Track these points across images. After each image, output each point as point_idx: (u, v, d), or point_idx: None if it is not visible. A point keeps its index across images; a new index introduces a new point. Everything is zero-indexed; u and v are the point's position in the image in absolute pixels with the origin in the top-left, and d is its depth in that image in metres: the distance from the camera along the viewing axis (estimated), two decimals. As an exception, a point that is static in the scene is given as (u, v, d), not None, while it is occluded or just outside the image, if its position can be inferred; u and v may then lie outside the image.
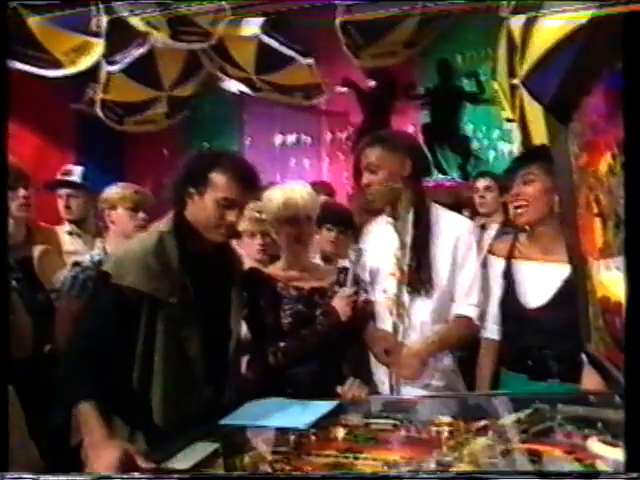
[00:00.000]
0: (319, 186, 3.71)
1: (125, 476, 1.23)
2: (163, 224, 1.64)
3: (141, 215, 2.41)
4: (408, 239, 1.93)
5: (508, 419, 1.42)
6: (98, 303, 1.59)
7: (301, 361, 1.80)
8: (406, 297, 1.90)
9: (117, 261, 1.57)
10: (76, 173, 3.12)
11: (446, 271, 1.91)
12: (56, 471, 1.18)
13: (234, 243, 2.43)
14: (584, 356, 1.60)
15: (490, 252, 2.02)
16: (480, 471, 1.15)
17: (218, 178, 1.58)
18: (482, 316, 1.94)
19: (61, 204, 3.03)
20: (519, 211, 1.87)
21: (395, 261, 1.94)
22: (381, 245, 2.00)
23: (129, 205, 2.40)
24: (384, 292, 1.96)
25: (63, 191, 3.02)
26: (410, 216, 1.93)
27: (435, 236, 1.93)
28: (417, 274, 1.89)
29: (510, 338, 1.89)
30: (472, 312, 1.90)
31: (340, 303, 1.82)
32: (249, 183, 1.63)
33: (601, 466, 1.08)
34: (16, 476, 1.06)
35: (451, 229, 1.94)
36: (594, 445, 1.16)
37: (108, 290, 1.52)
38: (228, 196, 1.58)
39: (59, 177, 3.11)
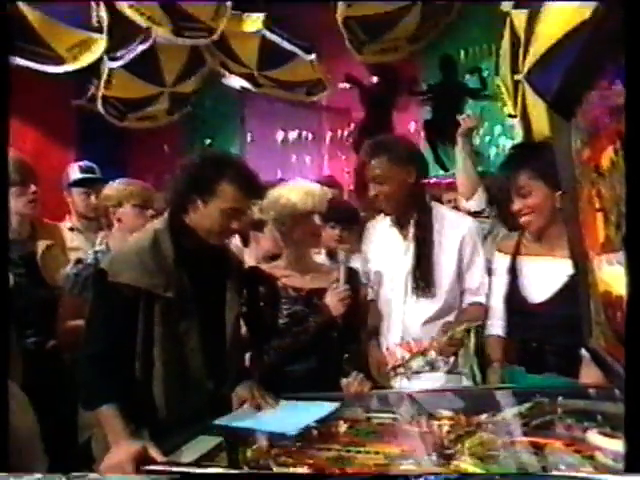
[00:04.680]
0: (326, 181, 3.70)
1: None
2: (158, 222, 1.66)
3: (150, 212, 2.34)
4: (411, 241, 1.97)
5: (509, 412, 1.43)
6: (98, 302, 1.61)
7: (295, 358, 1.81)
8: (410, 298, 1.95)
9: (113, 259, 1.59)
10: (96, 170, 3.06)
11: (451, 271, 1.95)
12: (62, 469, 1.18)
13: (251, 236, 2.43)
14: (584, 351, 1.60)
15: (497, 250, 2.01)
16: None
17: (226, 189, 1.58)
18: (488, 311, 1.97)
19: (80, 201, 2.95)
20: (527, 220, 1.86)
21: (399, 263, 1.97)
22: (384, 246, 2.04)
23: (138, 202, 2.35)
24: (389, 293, 1.99)
25: (82, 189, 2.94)
26: (413, 218, 1.98)
27: (439, 237, 1.96)
28: (420, 275, 1.93)
29: (513, 332, 1.90)
30: (483, 300, 1.97)
31: (332, 300, 1.82)
32: (254, 190, 1.66)
33: (601, 458, 1.08)
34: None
35: (455, 229, 1.98)
36: (594, 437, 1.17)
37: (105, 288, 1.54)
38: (235, 206, 1.59)
39: (79, 175, 3.00)
